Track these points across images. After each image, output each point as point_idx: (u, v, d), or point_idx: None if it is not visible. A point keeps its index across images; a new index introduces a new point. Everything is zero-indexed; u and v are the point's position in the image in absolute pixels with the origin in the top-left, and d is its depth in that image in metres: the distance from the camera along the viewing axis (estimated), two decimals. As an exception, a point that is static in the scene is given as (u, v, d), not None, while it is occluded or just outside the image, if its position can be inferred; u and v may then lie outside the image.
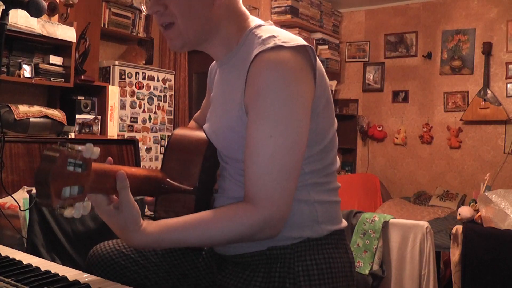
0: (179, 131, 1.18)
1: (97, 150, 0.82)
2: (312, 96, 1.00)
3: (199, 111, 1.40)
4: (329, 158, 1.09)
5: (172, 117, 4.28)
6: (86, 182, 0.83)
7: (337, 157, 1.14)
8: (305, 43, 1.01)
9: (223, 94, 1.11)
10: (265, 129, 0.95)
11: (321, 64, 1.05)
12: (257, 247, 1.06)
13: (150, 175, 1.07)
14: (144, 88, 3.98)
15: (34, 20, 2.89)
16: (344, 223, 1.15)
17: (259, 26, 1.07)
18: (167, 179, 1.08)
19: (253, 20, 1.11)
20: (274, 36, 1.00)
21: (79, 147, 0.80)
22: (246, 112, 1.00)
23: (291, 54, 0.97)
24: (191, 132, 1.20)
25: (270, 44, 0.98)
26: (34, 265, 1.03)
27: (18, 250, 1.24)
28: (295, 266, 1.03)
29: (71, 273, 1.03)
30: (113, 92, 3.62)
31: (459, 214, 2.58)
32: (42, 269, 1.02)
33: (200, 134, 1.16)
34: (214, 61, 1.22)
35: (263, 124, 0.95)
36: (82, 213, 0.82)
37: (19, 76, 2.98)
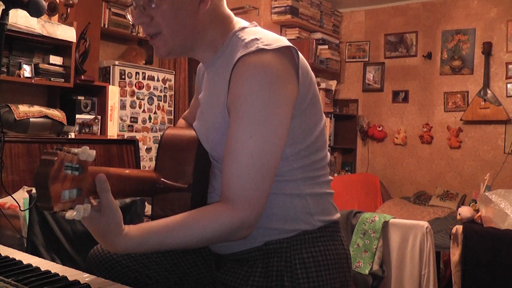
0: (170, 131, 1.19)
1: (92, 152, 0.83)
2: (295, 97, 1.01)
3: (187, 111, 1.42)
4: (318, 153, 1.10)
5: (172, 117, 4.28)
6: (84, 184, 0.84)
7: (328, 152, 1.16)
8: (288, 43, 1.01)
9: (210, 96, 1.13)
10: (246, 130, 0.96)
11: (305, 63, 1.06)
12: (254, 243, 1.07)
13: (144, 175, 1.08)
14: (144, 88, 3.98)
15: (34, 20, 2.89)
16: (338, 214, 1.16)
17: (243, 28, 1.08)
18: (162, 179, 1.09)
19: (238, 22, 1.12)
20: (257, 39, 1.01)
21: (75, 150, 0.81)
22: (229, 114, 1.01)
23: (273, 57, 0.98)
24: (182, 131, 1.22)
25: (253, 47, 0.99)
26: (34, 265, 1.03)
27: (18, 250, 1.24)
28: (292, 259, 1.05)
29: (71, 273, 1.03)
30: (113, 92, 3.61)
31: (459, 214, 2.58)
32: (42, 269, 1.02)
33: (191, 132, 1.18)
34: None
35: (244, 125, 0.97)
36: (83, 214, 0.83)
37: (19, 76, 2.98)
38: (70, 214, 0.81)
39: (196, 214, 0.98)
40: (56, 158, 0.77)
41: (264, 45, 0.99)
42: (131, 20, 1.13)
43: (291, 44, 1.02)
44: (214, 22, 1.08)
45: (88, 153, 0.82)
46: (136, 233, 0.93)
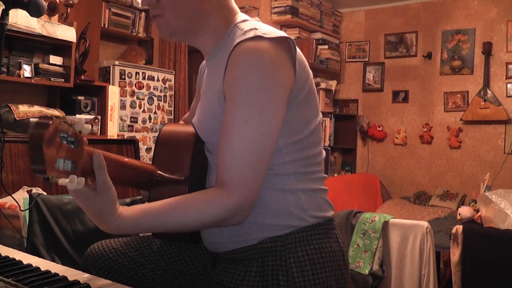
0: (168, 127, 1.20)
1: (88, 126, 0.83)
2: (291, 86, 1.01)
3: (187, 113, 1.42)
4: (312, 149, 1.10)
5: (172, 117, 4.28)
6: (79, 161, 0.84)
7: (323, 150, 1.15)
8: (285, 35, 1.02)
9: (208, 85, 1.13)
10: (241, 114, 0.97)
11: (302, 57, 1.07)
12: (248, 241, 1.07)
13: (142, 166, 1.09)
14: (144, 88, 3.98)
15: (34, 20, 2.89)
16: (332, 211, 1.16)
17: (245, 20, 1.10)
18: (159, 171, 1.10)
19: (241, 16, 1.13)
20: (255, 28, 1.03)
21: (71, 119, 0.81)
22: (225, 100, 1.02)
23: (270, 45, 0.99)
24: (179, 127, 1.23)
25: (250, 34, 1.00)
26: (34, 265, 1.03)
27: (18, 250, 1.24)
28: (287, 258, 1.04)
29: (71, 273, 1.03)
30: (113, 92, 3.61)
31: (459, 214, 2.58)
32: (42, 269, 1.02)
33: (188, 127, 1.19)
34: (204, 60, 1.23)
35: (239, 109, 0.97)
36: (76, 186, 0.82)
37: (19, 76, 2.98)
38: (62, 181, 0.80)
39: (191, 197, 0.98)
40: (51, 122, 0.77)
41: (261, 33, 1.00)
42: (140, 2, 1.15)
43: (289, 36, 1.03)
44: (218, 12, 1.09)
45: (82, 124, 0.83)
46: (131, 214, 0.93)
